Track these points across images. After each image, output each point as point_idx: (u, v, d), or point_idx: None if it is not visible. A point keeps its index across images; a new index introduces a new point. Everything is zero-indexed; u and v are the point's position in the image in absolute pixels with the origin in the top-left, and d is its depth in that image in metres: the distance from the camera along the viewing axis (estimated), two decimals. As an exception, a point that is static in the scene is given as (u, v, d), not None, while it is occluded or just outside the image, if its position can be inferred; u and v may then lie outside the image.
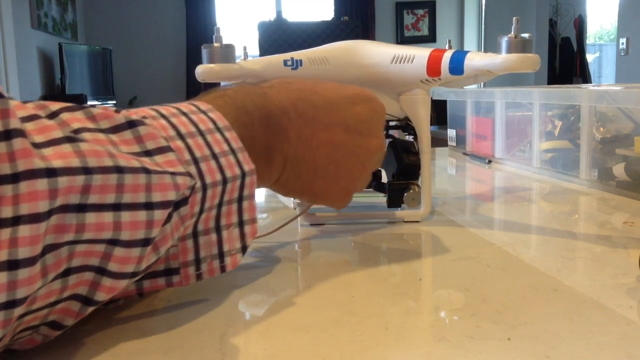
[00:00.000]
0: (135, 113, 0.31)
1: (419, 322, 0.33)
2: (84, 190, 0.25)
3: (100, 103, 4.89)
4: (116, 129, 0.29)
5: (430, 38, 5.70)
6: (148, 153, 0.29)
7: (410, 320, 0.33)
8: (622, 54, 4.22)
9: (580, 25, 5.94)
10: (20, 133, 0.23)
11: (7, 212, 0.23)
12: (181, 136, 0.32)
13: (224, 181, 0.33)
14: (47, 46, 4.53)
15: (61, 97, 4.52)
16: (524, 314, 0.33)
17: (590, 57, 6.69)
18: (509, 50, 0.48)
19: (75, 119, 0.28)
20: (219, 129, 0.34)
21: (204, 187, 0.32)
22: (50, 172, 0.24)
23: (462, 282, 0.39)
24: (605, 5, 6.87)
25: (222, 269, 0.35)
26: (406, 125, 0.58)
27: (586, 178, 0.74)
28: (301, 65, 0.51)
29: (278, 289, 0.39)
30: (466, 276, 0.40)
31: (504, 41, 0.48)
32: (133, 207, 0.27)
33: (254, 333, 0.32)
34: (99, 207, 0.26)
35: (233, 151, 0.34)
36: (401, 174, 0.56)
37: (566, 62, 5.86)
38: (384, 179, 0.57)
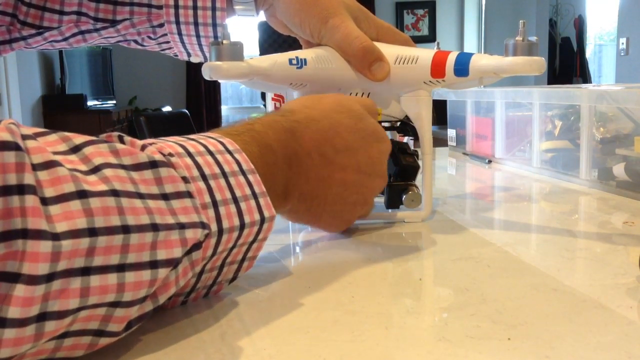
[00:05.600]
0: (162, 148, 0.31)
1: (419, 322, 0.33)
2: (89, 252, 0.25)
3: (100, 103, 4.89)
4: (138, 167, 0.29)
5: (430, 38, 5.69)
6: (165, 196, 0.29)
7: (410, 320, 0.33)
8: (622, 54, 4.22)
9: (580, 25, 5.94)
10: (33, 190, 0.23)
11: (13, 267, 0.23)
12: (205, 177, 0.32)
13: (242, 226, 0.33)
14: (47, 46, 4.52)
15: (61, 97, 4.52)
16: (524, 314, 0.33)
17: (590, 58, 6.69)
18: (515, 53, 0.48)
19: (99, 153, 0.28)
20: (243, 172, 0.35)
21: (220, 232, 0.32)
22: (55, 236, 0.24)
23: (462, 282, 0.39)
24: (605, 5, 6.86)
25: (206, 295, 0.36)
26: (401, 126, 0.58)
27: (586, 178, 0.74)
28: (305, 64, 0.51)
29: (278, 289, 0.39)
30: (466, 276, 0.40)
31: (510, 44, 0.48)
32: (138, 266, 0.27)
33: (254, 333, 0.32)
34: (104, 269, 0.26)
35: (255, 196, 0.35)
36: (399, 175, 0.56)
37: (566, 62, 5.87)
38: None
